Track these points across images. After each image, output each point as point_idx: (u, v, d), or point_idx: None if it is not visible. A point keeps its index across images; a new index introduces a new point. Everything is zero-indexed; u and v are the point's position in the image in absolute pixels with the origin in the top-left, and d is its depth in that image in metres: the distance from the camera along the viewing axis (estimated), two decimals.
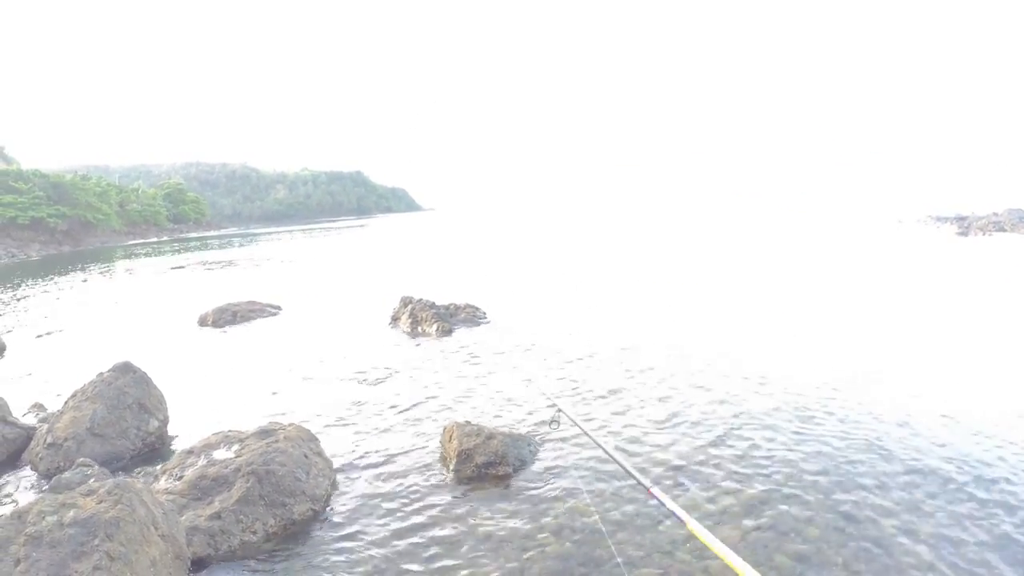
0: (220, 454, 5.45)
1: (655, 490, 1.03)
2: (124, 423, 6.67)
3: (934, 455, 5.93)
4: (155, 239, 74.41)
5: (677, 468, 5.77)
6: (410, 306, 13.15)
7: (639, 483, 1.03)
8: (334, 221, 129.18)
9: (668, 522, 4.84)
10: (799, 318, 12.46)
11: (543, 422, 6.98)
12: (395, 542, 4.74)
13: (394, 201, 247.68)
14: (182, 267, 31.92)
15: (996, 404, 7.30)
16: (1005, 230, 35.60)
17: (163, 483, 5.24)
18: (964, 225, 38.48)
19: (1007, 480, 5.43)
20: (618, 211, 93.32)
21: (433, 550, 4.61)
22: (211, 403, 8.42)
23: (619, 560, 4.35)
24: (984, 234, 34.49)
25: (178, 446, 6.93)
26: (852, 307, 13.58)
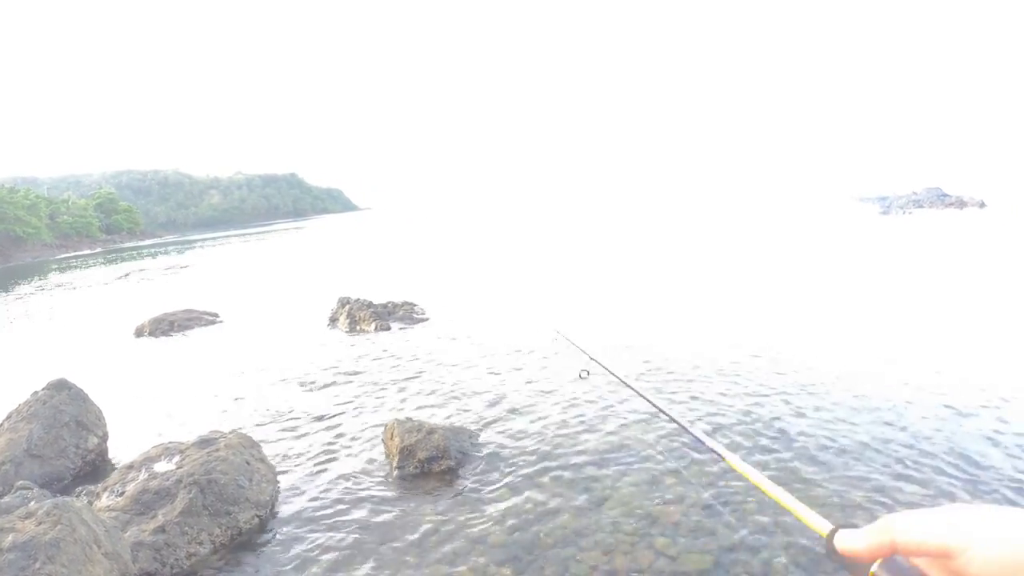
0: (161, 466, 5.44)
1: (695, 429, 1.12)
2: (62, 442, 6.58)
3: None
4: (88, 251, 72.07)
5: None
6: (348, 306, 13.17)
7: (680, 426, 1.13)
8: (270, 224, 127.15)
9: (615, 498, 5.05)
10: (736, 302, 12.90)
11: (483, 414, 7.19)
12: (342, 543, 4.83)
13: (330, 202, 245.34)
14: (117, 278, 31.07)
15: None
16: (924, 208, 37.19)
17: (105, 500, 5.22)
18: (886, 205, 39.98)
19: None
20: (564, 208, 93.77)
21: (381, 548, 4.71)
22: (151, 415, 8.34)
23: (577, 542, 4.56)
24: (905, 212, 35.95)
25: (119, 461, 6.87)
26: (786, 285, 14.11)
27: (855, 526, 0.71)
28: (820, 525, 0.81)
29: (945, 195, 41.30)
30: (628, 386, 1.55)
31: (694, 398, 7.33)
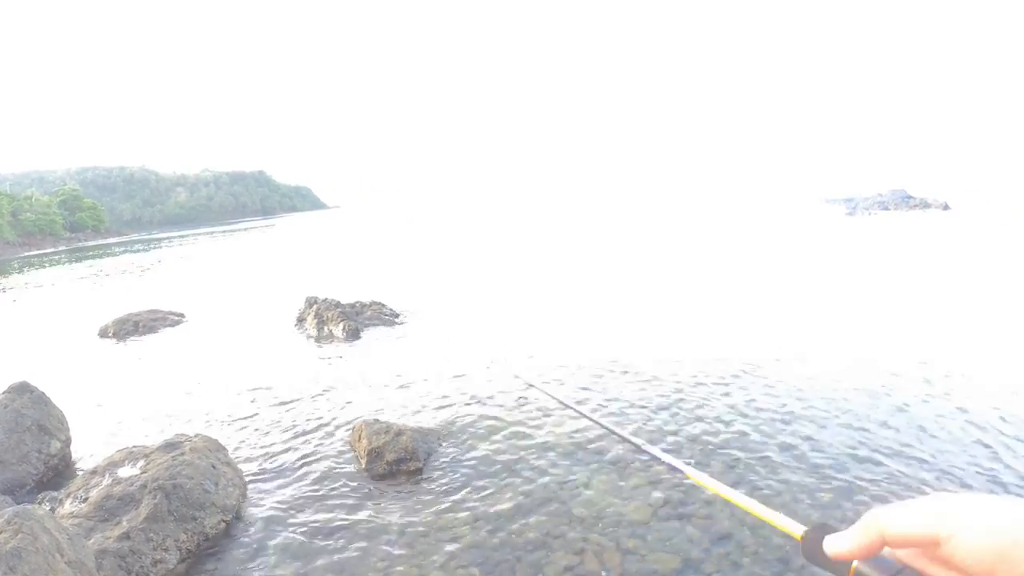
0: (125, 471, 5.38)
1: (647, 447, 1.12)
2: (24, 447, 6.47)
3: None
4: (51, 249, 70.67)
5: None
6: (315, 306, 13.10)
7: (629, 441, 1.13)
8: (238, 223, 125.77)
9: (584, 499, 5.10)
10: (696, 304, 13.04)
11: (452, 415, 7.21)
12: (310, 547, 4.82)
13: (298, 200, 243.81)
14: (81, 277, 30.52)
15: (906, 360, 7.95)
16: (889, 209, 37.90)
17: (68, 507, 5.15)
18: (852, 206, 40.70)
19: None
20: (535, 209, 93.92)
21: (349, 552, 4.71)
22: (115, 419, 8.22)
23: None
24: (870, 214, 36.61)
25: (82, 467, 6.78)
26: (754, 287, 14.29)
27: (826, 526, 0.72)
28: (792, 528, 0.80)
29: (910, 197, 42.17)
30: (581, 413, 1.54)
31: (661, 408, 7.42)
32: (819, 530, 0.73)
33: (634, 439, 1.22)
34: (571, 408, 1.49)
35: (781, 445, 6.03)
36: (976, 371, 7.88)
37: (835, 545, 0.68)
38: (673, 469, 1.10)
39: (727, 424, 6.58)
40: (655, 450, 1.13)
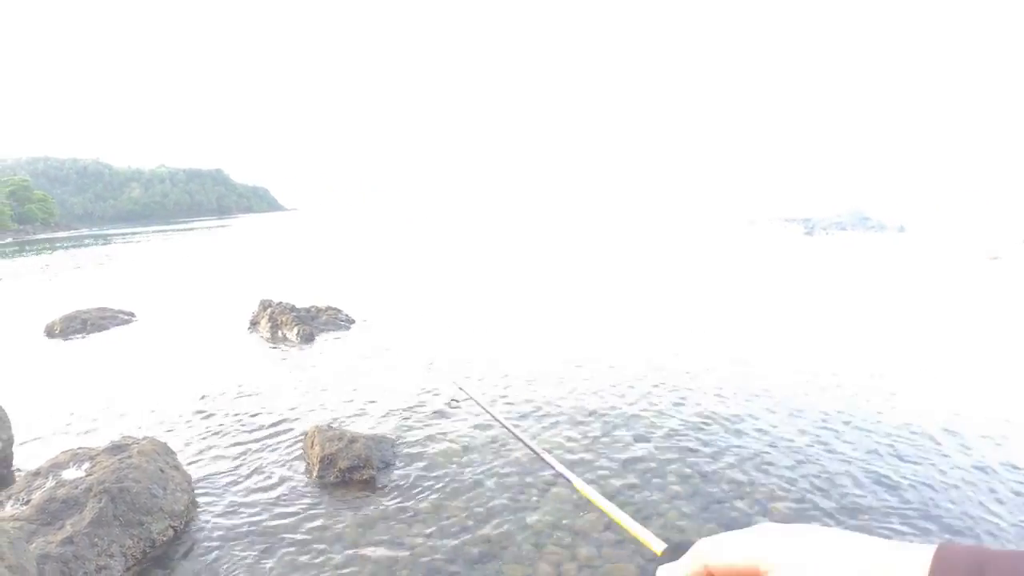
0: (70, 473, 5.23)
1: (546, 456, 1.12)
2: None
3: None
4: None
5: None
6: (269, 310, 12.93)
7: (531, 449, 1.12)
8: (192, 221, 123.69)
9: (539, 510, 5.09)
10: (662, 315, 13.18)
11: (406, 422, 7.16)
12: (259, 555, 4.74)
13: (255, 201, 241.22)
14: (28, 271, 29.67)
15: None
16: (846, 230, 38.81)
17: (9, 509, 4.98)
18: (809, 226, 41.61)
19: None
20: (501, 214, 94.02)
21: (300, 561, 4.65)
22: (60, 419, 7.99)
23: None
24: (827, 234, 37.43)
25: (25, 468, 6.56)
26: (704, 303, 14.48)
27: (682, 544, 0.72)
28: (654, 544, 0.80)
29: (867, 218, 43.33)
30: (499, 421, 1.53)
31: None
32: (674, 550, 0.72)
33: (559, 466, 1.21)
34: (506, 428, 1.48)
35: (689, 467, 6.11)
36: (915, 389, 8.10)
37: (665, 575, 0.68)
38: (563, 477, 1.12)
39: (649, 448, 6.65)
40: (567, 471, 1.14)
